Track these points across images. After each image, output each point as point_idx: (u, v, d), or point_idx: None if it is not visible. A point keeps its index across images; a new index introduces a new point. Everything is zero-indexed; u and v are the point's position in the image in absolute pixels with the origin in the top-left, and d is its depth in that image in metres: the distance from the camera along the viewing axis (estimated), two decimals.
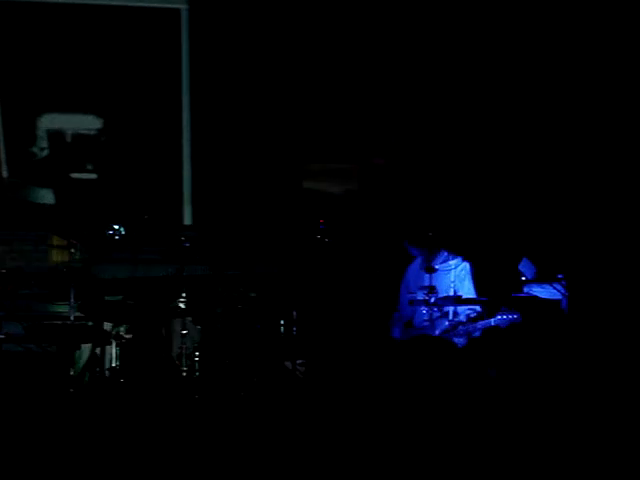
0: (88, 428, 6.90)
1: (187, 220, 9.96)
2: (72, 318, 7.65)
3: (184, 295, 7.92)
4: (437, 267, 7.97)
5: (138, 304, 8.02)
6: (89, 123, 9.95)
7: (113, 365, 7.77)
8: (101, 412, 7.15)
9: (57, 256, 8.66)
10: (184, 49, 10.10)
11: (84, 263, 8.27)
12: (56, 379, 7.54)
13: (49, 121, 9.88)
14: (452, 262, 8.13)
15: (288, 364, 8.10)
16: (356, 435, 6.87)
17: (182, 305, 7.97)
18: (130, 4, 10.01)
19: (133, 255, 8.21)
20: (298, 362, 8.12)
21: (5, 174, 9.77)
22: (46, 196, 9.72)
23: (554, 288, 7.81)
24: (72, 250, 7.96)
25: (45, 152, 9.86)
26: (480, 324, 7.79)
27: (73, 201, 9.68)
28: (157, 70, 10.00)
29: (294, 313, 8.16)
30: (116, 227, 8.23)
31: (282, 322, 8.15)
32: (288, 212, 9.72)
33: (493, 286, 8.15)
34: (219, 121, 9.93)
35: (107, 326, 7.98)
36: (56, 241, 8.63)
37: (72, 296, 7.66)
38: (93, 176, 9.95)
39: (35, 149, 9.85)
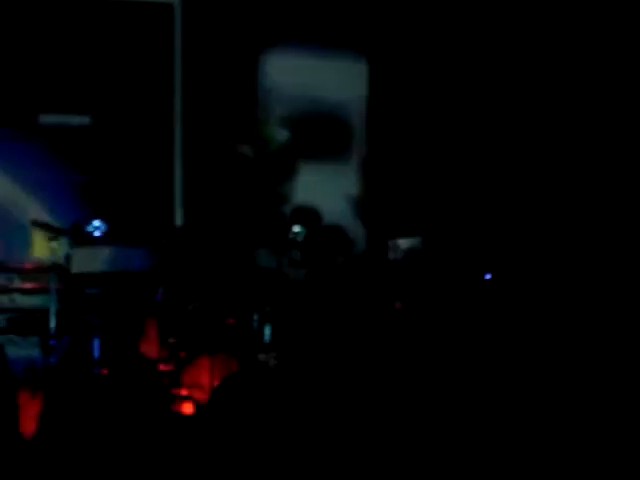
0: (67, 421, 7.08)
1: (178, 221, 9.93)
2: (53, 311, 7.91)
3: (161, 290, 8.16)
4: None
5: (116, 298, 8.26)
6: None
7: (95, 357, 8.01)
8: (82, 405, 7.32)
9: (39, 250, 8.86)
10: (177, 47, 10.02)
11: (65, 257, 8.47)
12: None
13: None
14: None
15: (262, 356, 8.32)
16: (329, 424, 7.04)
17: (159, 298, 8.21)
18: None
19: (114, 251, 8.44)
20: (271, 355, 8.33)
21: None
22: None
23: None
24: (54, 244, 8.16)
25: None
26: None
27: None
28: (149, 67, 9.93)
29: (267, 308, 8.40)
30: (97, 224, 8.47)
31: (255, 317, 8.40)
32: (263, 212, 9.85)
33: None
34: (212, 119, 9.95)
35: None
36: (38, 235, 8.82)
37: (54, 289, 7.93)
38: None
39: None
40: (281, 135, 10.05)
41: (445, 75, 9.78)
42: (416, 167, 9.69)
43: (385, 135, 9.93)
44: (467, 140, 9.62)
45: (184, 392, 7.93)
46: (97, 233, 8.48)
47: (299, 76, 10.17)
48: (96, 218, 8.57)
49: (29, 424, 6.98)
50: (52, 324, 7.99)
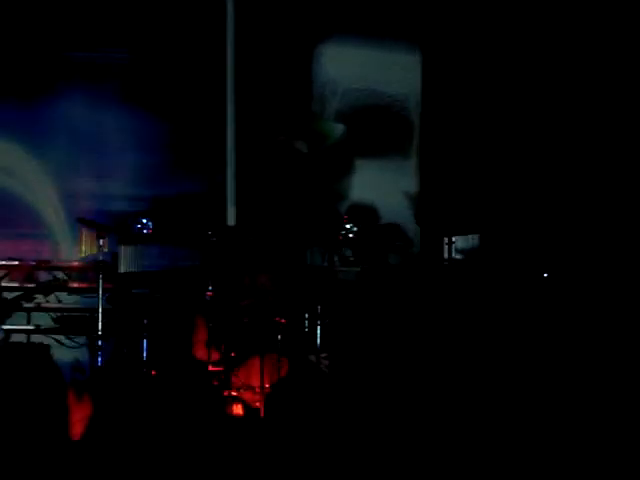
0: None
1: (230, 218, 9.77)
2: (101, 310, 7.79)
3: (210, 288, 8.02)
4: None
5: (165, 297, 8.14)
6: None
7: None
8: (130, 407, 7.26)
9: (86, 248, 8.77)
10: (229, 38, 9.85)
11: (113, 256, 8.38)
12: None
13: None
14: None
15: (312, 357, 8.19)
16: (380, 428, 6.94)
17: (208, 298, 8.07)
18: None
19: (161, 249, 8.34)
20: (322, 356, 8.20)
21: None
22: None
23: None
24: (101, 243, 8.03)
25: None
26: None
27: None
28: (199, 60, 9.73)
29: (318, 307, 8.25)
30: (144, 221, 8.36)
31: (306, 316, 8.25)
32: (316, 209, 9.66)
33: None
34: (265, 114, 9.71)
35: None
36: (85, 233, 8.74)
37: (100, 288, 7.80)
38: None
39: None
40: (337, 130, 9.86)
41: (504, 67, 9.56)
42: (472, 163, 9.50)
43: (440, 130, 9.74)
44: (527, 135, 9.40)
45: (234, 393, 7.80)
46: (144, 231, 8.36)
47: (356, 68, 9.91)
48: (143, 216, 8.45)
49: (77, 426, 6.89)
50: (100, 324, 7.86)
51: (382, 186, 9.70)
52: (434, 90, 9.86)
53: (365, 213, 9.38)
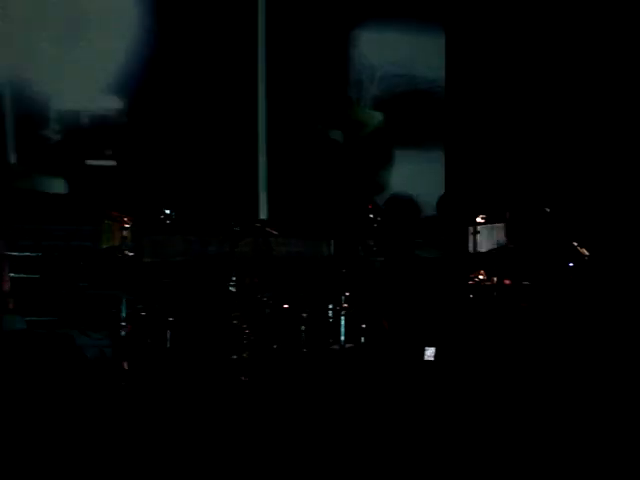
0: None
1: (262, 208, 9.66)
2: (124, 300, 7.78)
3: (234, 278, 8.00)
4: None
5: (188, 287, 8.14)
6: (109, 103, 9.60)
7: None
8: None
9: (110, 239, 8.75)
10: (260, 22, 9.62)
11: (136, 246, 8.36)
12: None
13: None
14: None
15: (336, 347, 8.16)
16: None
17: (232, 288, 8.06)
18: None
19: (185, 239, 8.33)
20: (346, 346, 8.18)
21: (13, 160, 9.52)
22: (56, 185, 9.42)
23: None
24: (124, 233, 8.02)
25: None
26: None
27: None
28: (230, 47, 9.56)
29: (342, 297, 8.21)
30: (167, 211, 8.33)
31: (330, 306, 8.22)
32: (345, 197, 9.52)
33: None
34: (299, 102, 9.55)
35: None
36: (108, 224, 8.72)
37: (124, 278, 7.81)
38: (111, 163, 9.66)
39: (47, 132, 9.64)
40: (375, 118, 9.70)
41: (532, 55, 9.39)
42: (498, 150, 9.40)
43: (465, 115, 9.60)
44: (558, 120, 9.27)
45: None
46: (168, 221, 8.34)
47: (395, 52, 9.70)
48: (167, 206, 8.43)
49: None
50: (123, 314, 7.85)
51: (422, 176, 9.52)
52: (459, 74, 9.69)
53: (405, 205, 9.22)
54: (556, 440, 6.46)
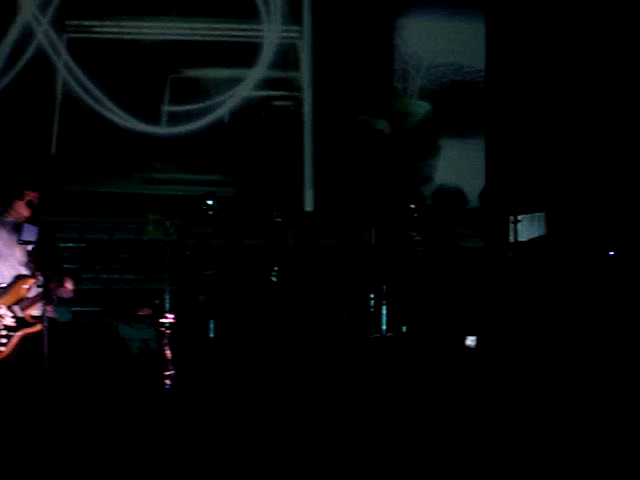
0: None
1: (308, 202, 9.60)
2: (167, 291, 7.84)
3: (276, 268, 8.05)
4: None
5: (231, 278, 8.20)
6: None
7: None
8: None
9: (153, 230, 8.83)
10: (306, 16, 9.54)
11: (179, 237, 8.42)
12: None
13: None
14: None
15: (377, 336, 8.19)
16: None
17: (274, 278, 8.11)
18: None
19: (228, 230, 8.38)
20: (388, 335, 8.20)
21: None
22: None
23: None
24: (167, 225, 8.08)
25: None
26: None
27: None
28: None
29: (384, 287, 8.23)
30: (210, 202, 8.39)
31: (372, 296, 8.24)
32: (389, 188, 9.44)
33: None
34: (344, 92, 9.45)
35: None
36: (152, 216, 8.79)
37: (167, 270, 7.85)
38: None
39: None
40: (421, 108, 9.60)
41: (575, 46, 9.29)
42: (539, 141, 9.33)
43: (506, 105, 9.50)
44: (597, 112, 9.19)
45: None
46: (210, 212, 8.40)
47: (442, 42, 9.58)
48: (209, 197, 8.49)
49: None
50: (167, 305, 7.91)
51: (468, 167, 9.40)
52: (499, 65, 9.57)
53: (453, 196, 9.13)
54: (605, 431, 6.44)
